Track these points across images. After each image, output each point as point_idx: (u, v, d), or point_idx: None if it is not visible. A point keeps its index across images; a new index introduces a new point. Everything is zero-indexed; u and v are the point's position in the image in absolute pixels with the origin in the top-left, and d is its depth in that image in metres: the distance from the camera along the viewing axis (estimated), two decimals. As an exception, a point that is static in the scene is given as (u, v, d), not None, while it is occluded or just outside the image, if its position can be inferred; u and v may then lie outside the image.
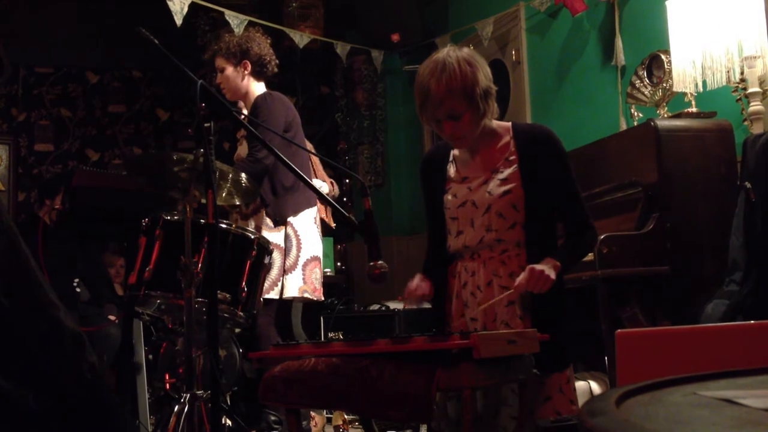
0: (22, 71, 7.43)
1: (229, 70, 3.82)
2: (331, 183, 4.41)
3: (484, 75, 2.27)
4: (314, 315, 4.85)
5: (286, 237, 3.66)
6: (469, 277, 2.33)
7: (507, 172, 2.29)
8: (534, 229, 2.27)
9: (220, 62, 3.83)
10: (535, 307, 2.22)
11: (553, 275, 2.14)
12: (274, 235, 3.62)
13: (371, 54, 6.27)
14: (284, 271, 3.61)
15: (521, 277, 2.16)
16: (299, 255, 3.67)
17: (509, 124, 2.39)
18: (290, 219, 3.67)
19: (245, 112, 3.82)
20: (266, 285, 3.51)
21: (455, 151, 2.44)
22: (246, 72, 3.83)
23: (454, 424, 2.22)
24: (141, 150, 7.53)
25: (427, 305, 2.60)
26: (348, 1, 6.49)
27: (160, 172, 2.84)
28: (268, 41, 3.94)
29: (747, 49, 3.21)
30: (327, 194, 4.22)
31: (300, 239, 3.69)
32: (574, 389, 2.28)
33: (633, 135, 3.55)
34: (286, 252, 3.64)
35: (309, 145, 4.32)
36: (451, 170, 2.43)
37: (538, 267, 2.14)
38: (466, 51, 2.29)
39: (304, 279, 3.66)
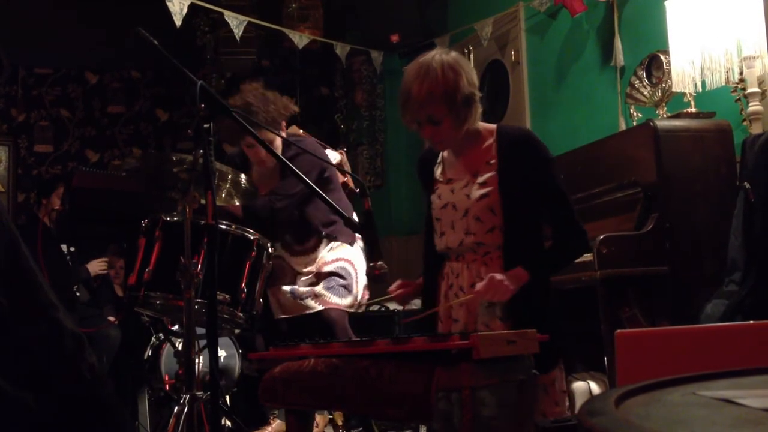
0: (22, 72, 7.44)
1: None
2: (341, 153, 4.40)
3: (468, 81, 2.26)
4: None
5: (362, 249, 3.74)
6: (454, 278, 2.35)
7: (486, 175, 2.30)
8: (513, 233, 2.26)
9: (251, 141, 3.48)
10: (517, 309, 2.22)
11: (512, 286, 2.15)
12: (354, 251, 3.71)
13: (370, 55, 6.27)
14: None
15: (480, 285, 2.17)
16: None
17: (494, 126, 2.39)
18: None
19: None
20: (350, 302, 3.61)
21: (444, 153, 2.45)
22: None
23: (453, 424, 2.22)
24: (140, 150, 7.54)
25: (414, 306, 2.64)
26: (347, 1, 6.50)
27: (160, 173, 2.84)
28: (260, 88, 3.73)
29: (746, 50, 3.21)
30: (339, 162, 4.23)
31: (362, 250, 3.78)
32: (563, 391, 2.27)
33: (632, 135, 3.55)
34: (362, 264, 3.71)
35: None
36: (438, 172, 2.45)
37: (498, 276, 2.15)
38: (453, 56, 2.29)
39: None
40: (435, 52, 2.28)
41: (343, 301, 3.61)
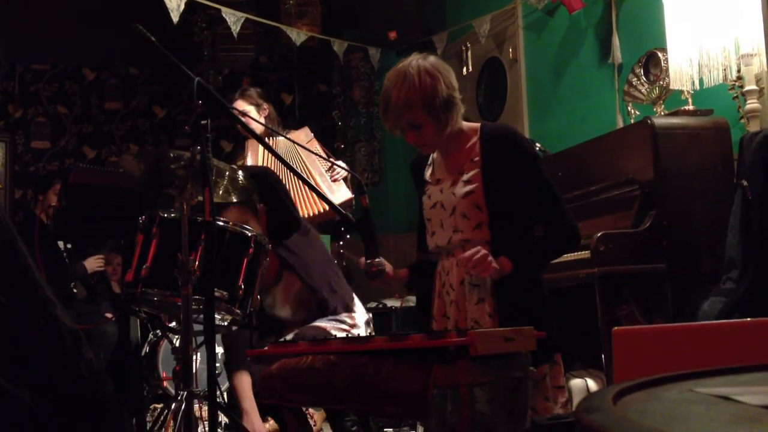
0: (19, 68, 7.43)
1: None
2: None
3: (446, 85, 2.27)
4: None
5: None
6: (445, 276, 2.36)
7: (470, 173, 2.32)
8: (500, 229, 2.28)
9: None
10: (506, 305, 2.23)
11: (497, 266, 2.17)
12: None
13: (368, 51, 6.27)
14: None
15: (468, 252, 2.18)
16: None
17: (478, 125, 2.41)
18: None
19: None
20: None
21: (434, 155, 2.48)
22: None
23: (450, 420, 2.23)
24: (138, 147, 7.54)
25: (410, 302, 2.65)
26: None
27: (157, 169, 2.84)
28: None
29: (744, 47, 3.21)
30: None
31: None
32: (557, 387, 2.28)
33: (630, 133, 3.55)
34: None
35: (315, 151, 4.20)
36: (428, 173, 2.48)
37: (484, 251, 2.16)
38: (431, 60, 2.30)
39: None
40: (413, 58, 2.30)
41: (330, 327, 3.11)
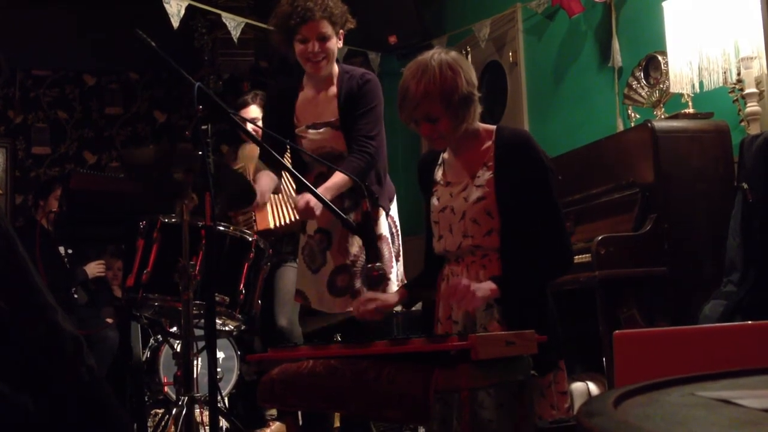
0: (19, 74, 7.42)
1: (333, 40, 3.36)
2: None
3: (466, 81, 2.25)
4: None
5: (389, 226, 3.39)
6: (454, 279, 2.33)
7: (483, 178, 2.29)
8: (511, 237, 2.24)
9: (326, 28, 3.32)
10: (514, 312, 2.22)
11: (479, 294, 2.11)
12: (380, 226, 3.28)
13: (368, 56, 6.27)
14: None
15: (445, 287, 2.15)
16: (399, 243, 3.42)
17: (494, 128, 2.37)
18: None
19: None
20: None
21: (445, 154, 2.45)
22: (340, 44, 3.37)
23: (451, 425, 2.22)
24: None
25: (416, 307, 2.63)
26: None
27: (158, 173, 2.84)
28: None
29: (744, 50, 3.21)
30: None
31: (398, 226, 3.47)
32: (559, 393, 2.26)
33: (630, 136, 3.56)
34: (392, 241, 3.37)
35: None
36: (439, 174, 2.44)
37: (465, 282, 2.11)
38: (452, 55, 2.28)
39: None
40: (434, 51, 2.28)
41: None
